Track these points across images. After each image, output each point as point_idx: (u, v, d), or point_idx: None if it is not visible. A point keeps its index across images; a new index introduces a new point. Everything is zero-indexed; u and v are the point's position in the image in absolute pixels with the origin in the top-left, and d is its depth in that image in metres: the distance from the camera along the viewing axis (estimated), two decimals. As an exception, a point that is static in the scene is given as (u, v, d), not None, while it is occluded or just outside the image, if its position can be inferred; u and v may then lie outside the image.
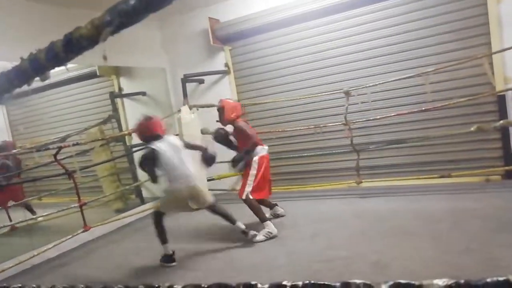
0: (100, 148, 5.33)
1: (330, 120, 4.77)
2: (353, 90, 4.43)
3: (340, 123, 4.55)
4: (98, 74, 5.79)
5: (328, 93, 4.72)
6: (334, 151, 4.87)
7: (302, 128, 4.89)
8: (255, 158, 3.69)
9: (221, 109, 3.85)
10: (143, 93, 5.77)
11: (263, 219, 3.63)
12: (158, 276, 3.15)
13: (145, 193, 5.95)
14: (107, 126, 5.89)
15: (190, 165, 3.36)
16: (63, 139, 5.25)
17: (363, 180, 4.56)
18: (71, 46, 0.48)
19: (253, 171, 3.68)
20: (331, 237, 3.38)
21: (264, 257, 3.13)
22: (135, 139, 5.77)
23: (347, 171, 4.83)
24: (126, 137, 5.80)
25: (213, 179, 5.40)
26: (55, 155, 4.16)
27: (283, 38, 5.11)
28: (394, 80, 4.31)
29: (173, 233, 4.33)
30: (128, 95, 5.83)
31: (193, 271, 3.10)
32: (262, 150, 3.79)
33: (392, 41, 4.57)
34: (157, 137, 3.35)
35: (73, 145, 4.22)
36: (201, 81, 5.56)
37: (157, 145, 3.29)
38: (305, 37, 5.00)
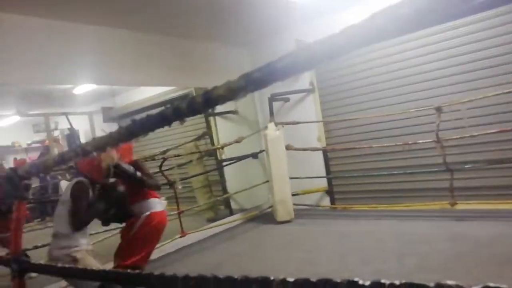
0: (196, 161, 5.86)
1: (420, 137, 4.58)
2: (445, 106, 4.22)
3: (431, 140, 4.35)
4: (194, 94, 6.41)
5: (418, 109, 4.55)
6: (425, 170, 4.65)
7: (390, 145, 4.77)
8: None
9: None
10: (234, 112, 6.19)
11: None
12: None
13: (233, 205, 6.33)
14: (201, 142, 6.45)
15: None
16: (164, 153, 5.88)
17: (458, 202, 4.27)
18: (208, 102, 0.66)
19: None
20: (421, 259, 3.24)
21: (349, 276, 3.13)
22: (226, 154, 6.22)
23: (440, 191, 4.56)
24: (218, 152, 6.28)
25: (297, 194, 5.53)
26: (160, 167, 4.75)
27: (369, 54, 5.08)
28: (494, 95, 4.01)
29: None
30: (220, 114, 6.31)
31: None
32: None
33: (488, 54, 4.26)
34: None
35: (175, 156, 4.75)
36: (287, 100, 5.79)
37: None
38: (392, 53, 4.91)
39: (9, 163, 6.98)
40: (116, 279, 1.05)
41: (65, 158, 1.20)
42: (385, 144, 4.81)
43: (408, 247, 3.59)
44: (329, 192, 5.65)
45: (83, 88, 6.46)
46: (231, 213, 6.09)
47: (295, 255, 3.91)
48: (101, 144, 0.99)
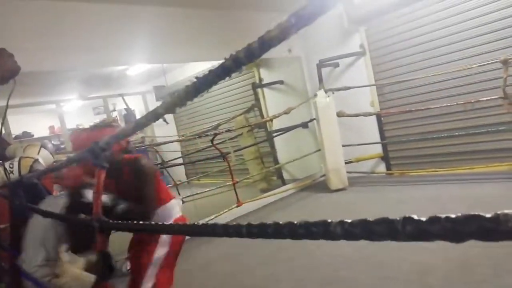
0: (246, 134, 5.95)
1: (483, 95, 4.26)
2: (514, 58, 3.86)
3: (497, 97, 4.03)
4: (243, 68, 6.41)
5: (481, 64, 4.21)
6: (490, 130, 4.34)
7: (450, 105, 4.49)
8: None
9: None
10: (281, 82, 6.14)
11: None
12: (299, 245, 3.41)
13: (285, 175, 6.39)
14: (250, 114, 6.51)
15: None
16: (216, 127, 6.04)
17: (529, 162, 3.96)
18: (264, 46, 0.67)
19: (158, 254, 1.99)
20: (490, 222, 3.07)
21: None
22: (275, 125, 6.23)
23: (507, 151, 4.26)
24: (267, 123, 6.31)
25: (350, 162, 5.44)
26: (211, 141, 4.89)
27: (424, 10, 4.74)
28: None
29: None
30: (267, 85, 6.30)
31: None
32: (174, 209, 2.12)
33: None
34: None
35: (226, 131, 4.87)
36: (336, 65, 5.61)
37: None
38: (449, 6, 4.53)
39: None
40: (188, 231, 1.10)
41: (139, 124, 1.25)
42: (444, 105, 4.53)
43: (472, 211, 3.41)
44: (385, 158, 5.48)
45: (136, 69, 6.74)
46: (284, 183, 6.16)
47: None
48: (171, 105, 1.01)
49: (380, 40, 5.24)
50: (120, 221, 1.66)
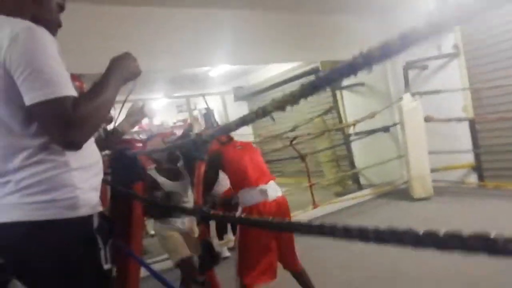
0: (323, 136, 5.88)
1: None
2: None
3: None
4: (320, 69, 6.35)
5: None
6: None
7: None
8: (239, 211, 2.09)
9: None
10: (362, 84, 5.95)
11: None
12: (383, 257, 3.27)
13: (362, 180, 6.18)
14: (327, 116, 6.42)
15: None
16: (294, 128, 6.06)
17: None
18: (406, 40, 0.60)
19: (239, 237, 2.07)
20: None
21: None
22: (353, 128, 6.05)
23: None
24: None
25: (437, 170, 5.08)
26: (291, 142, 4.92)
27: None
28: None
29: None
30: (347, 87, 6.14)
31: None
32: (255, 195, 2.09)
33: None
34: None
35: (308, 134, 4.87)
36: (425, 67, 5.27)
37: None
38: None
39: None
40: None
41: (246, 120, 1.26)
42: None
43: None
44: (477, 168, 5.02)
45: (218, 70, 7.05)
46: (360, 188, 5.97)
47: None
48: (282, 103, 1.00)
49: (477, 40, 4.79)
50: (219, 214, 1.76)
